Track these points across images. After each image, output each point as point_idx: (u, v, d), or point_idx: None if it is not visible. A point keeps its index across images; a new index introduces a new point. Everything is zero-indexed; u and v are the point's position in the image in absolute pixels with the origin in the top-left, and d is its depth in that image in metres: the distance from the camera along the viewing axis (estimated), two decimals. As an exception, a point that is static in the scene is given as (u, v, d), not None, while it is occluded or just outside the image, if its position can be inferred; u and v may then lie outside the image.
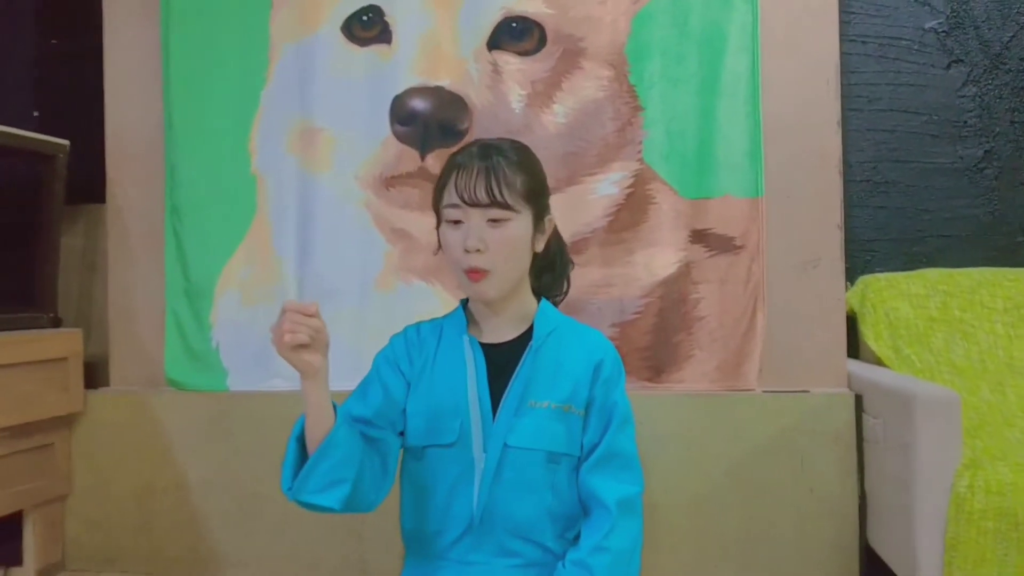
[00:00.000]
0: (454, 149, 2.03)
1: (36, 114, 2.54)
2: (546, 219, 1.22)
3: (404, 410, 1.21)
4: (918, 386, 1.68)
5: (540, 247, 1.21)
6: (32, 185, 2.26)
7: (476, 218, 1.13)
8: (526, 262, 1.20)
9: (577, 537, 1.20)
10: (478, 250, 1.13)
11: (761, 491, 1.97)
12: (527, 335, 1.22)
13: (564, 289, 1.33)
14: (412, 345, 1.25)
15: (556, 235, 1.28)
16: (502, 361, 1.20)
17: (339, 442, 1.07)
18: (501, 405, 1.17)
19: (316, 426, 1.07)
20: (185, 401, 2.26)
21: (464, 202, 1.12)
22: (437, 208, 1.19)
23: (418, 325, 1.28)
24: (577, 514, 1.19)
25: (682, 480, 2.00)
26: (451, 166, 1.16)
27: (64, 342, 2.21)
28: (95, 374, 2.36)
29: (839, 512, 1.94)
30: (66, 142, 2.25)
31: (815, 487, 1.96)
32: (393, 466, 1.19)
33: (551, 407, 1.17)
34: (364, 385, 1.24)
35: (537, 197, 1.18)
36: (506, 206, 1.12)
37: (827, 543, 1.95)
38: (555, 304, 1.31)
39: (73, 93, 2.51)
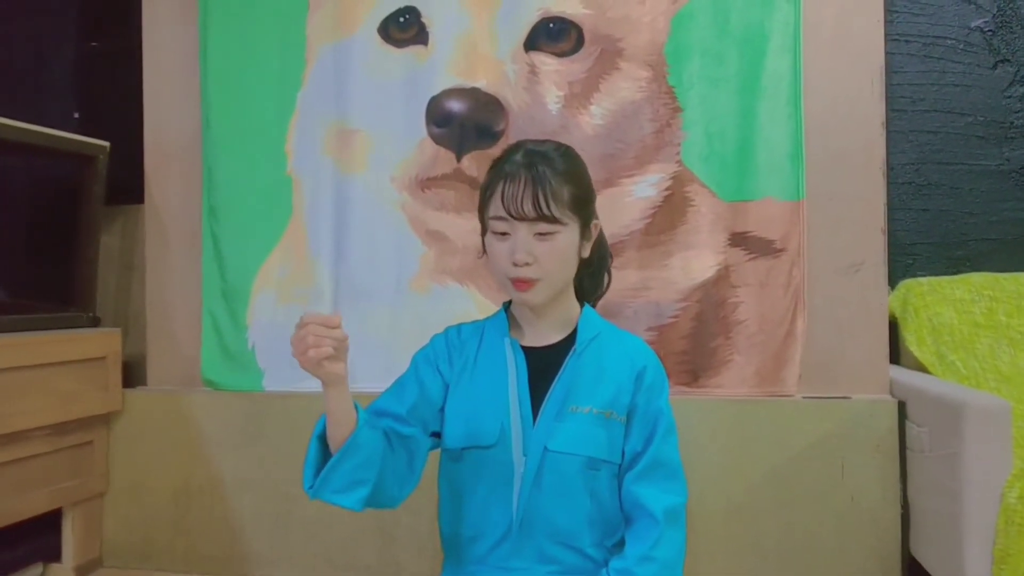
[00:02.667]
0: (491, 151, 2.09)
1: (76, 116, 2.57)
2: (592, 225, 1.20)
3: (441, 410, 1.21)
4: (967, 394, 1.64)
5: (586, 253, 1.21)
6: (72, 186, 2.29)
7: (523, 231, 1.12)
8: (573, 270, 1.19)
9: (618, 544, 1.18)
10: (527, 263, 1.12)
11: (801, 499, 1.94)
12: (570, 339, 1.21)
13: (605, 286, 1.31)
14: (453, 346, 1.25)
15: (600, 237, 1.27)
16: (544, 365, 1.19)
17: (361, 444, 1.07)
18: (542, 409, 1.16)
19: (338, 429, 1.08)
20: (221, 401, 2.27)
21: (511, 216, 1.11)
22: (483, 217, 1.18)
23: (459, 327, 1.28)
24: (616, 521, 1.18)
25: (720, 487, 1.98)
26: (497, 175, 1.15)
27: (103, 341, 2.23)
28: (132, 373, 2.38)
29: (881, 521, 1.91)
30: (106, 144, 2.27)
31: (856, 495, 1.92)
32: (420, 465, 1.19)
33: (592, 412, 1.16)
34: (401, 382, 1.24)
35: (584, 205, 1.17)
36: (553, 220, 1.11)
37: (868, 552, 1.91)
38: (595, 301, 1.30)
39: (113, 95, 2.54)
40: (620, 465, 1.17)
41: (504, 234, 1.13)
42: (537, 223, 1.11)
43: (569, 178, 1.14)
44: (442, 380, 1.22)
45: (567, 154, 1.19)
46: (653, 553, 1.11)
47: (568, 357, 1.19)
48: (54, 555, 2.22)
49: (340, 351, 1.04)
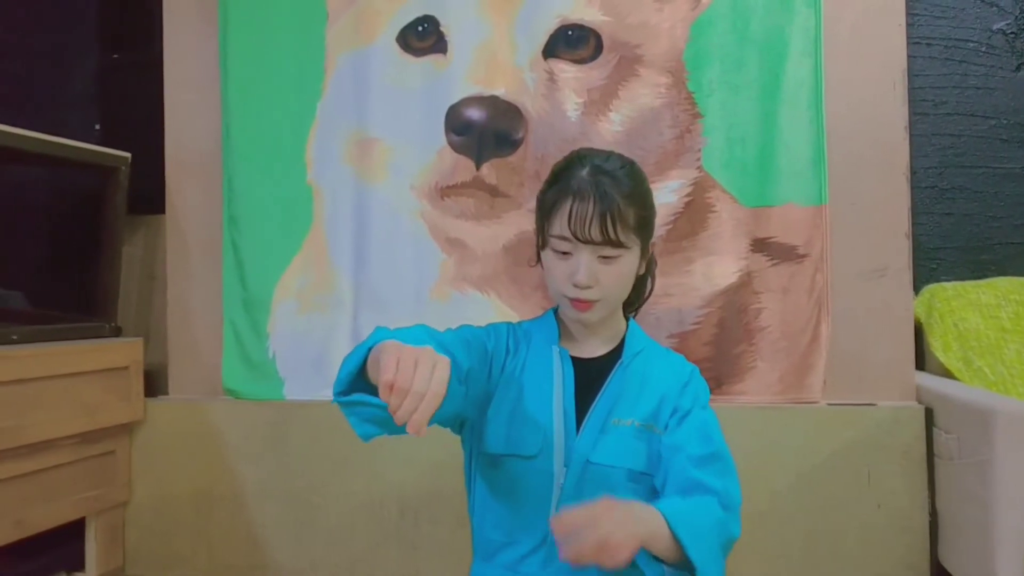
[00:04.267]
0: (510, 159, 2.09)
1: (98, 127, 2.59)
2: (651, 244, 1.20)
3: (483, 387, 1.19)
4: (997, 401, 1.62)
5: (643, 270, 1.21)
6: (95, 197, 2.31)
7: (587, 254, 1.11)
8: (630, 289, 1.19)
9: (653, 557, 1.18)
10: (588, 287, 1.11)
11: (826, 507, 1.92)
12: (616, 352, 1.21)
13: (648, 294, 1.31)
14: (519, 341, 1.23)
15: (653, 252, 1.27)
16: (590, 377, 1.19)
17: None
18: (586, 421, 1.15)
19: None
20: (242, 410, 2.27)
21: (576, 239, 1.10)
22: (542, 230, 1.15)
23: (520, 324, 1.27)
24: None
25: (744, 494, 1.92)
26: (563, 191, 1.11)
27: (126, 351, 2.24)
28: (153, 383, 2.39)
29: (908, 529, 1.88)
30: (127, 155, 2.29)
31: (883, 503, 1.90)
32: (476, 393, 1.16)
33: (635, 425, 1.15)
34: (472, 335, 1.21)
35: (647, 227, 1.16)
36: (619, 244, 1.10)
37: (896, 561, 1.89)
38: (638, 308, 1.31)
39: (133, 106, 2.56)
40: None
41: (566, 253, 1.12)
42: (602, 247, 1.10)
43: (635, 200, 1.13)
44: (504, 354, 1.21)
45: (633, 172, 1.17)
46: (701, 504, 1.09)
47: (614, 370, 1.18)
48: (77, 564, 2.22)
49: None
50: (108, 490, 2.23)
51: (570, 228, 1.09)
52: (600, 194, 1.09)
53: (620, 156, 1.20)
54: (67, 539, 2.20)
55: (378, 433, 1.04)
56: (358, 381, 1.02)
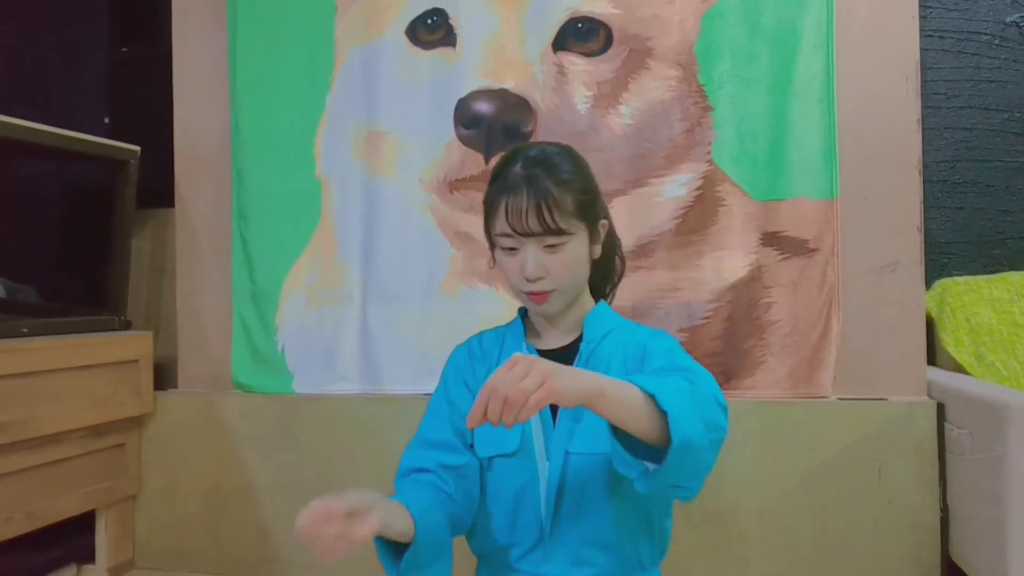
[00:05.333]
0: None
1: (107, 121, 2.59)
2: (599, 225, 1.19)
3: None
4: (1011, 396, 1.60)
5: (598, 254, 1.20)
6: (104, 191, 2.31)
7: (532, 246, 1.11)
8: (586, 274, 1.19)
9: (657, 547, 1.17)
10: (539, 277, 1.11)
11: (836, 502, 1.91)
12: (580, 340, 1.20)
13: (618, 276, 1.30)
14: (475, 357, 1.24)
15: (609, 232, 1.25)
16: None
17: (425, 535, 1.04)
18: (559, 412, 1.15)
19: (399, 536, 1.04)
20: (251, 403, 2.28)
21: (517, 233, 1.10)
22: (489, 233, 1.17)
23: (480, 336, 1.27)
24: (649, 517, 1.16)
25: (753, 490, 1.95)
26: (498, 190, 1.12)
27: (135, 344, 2.25)
28: (162, 376, 2.39)
29: (919, 525, 1.87)
30: (137, 148, 2.29)
31: (893, 499, 1.89)
32: (478, 484, 1.17)
33: None
34: (436, 404, 1.24)
35: (590, 210, 1.15)
36: (560, 232, 1.10)
37: (906, 557, 1.88)
38: (611, 291, 1.29)
39: (143, 99, 2.56)
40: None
41: (513, 249, 1.12)
42: (545, 237, 1.10)
43: (572, 184, 1.12)
44: (470, 393, 1.21)
45: (567, 157, 1.16)
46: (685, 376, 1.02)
47: (576, 357, 1.18)
48: (88, 557, 2.24)
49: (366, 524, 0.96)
50: (118, 483, 2.24)
51: (508, 224, 1.09)
52: (533, 186, 1.09)
53: (555, 144, 1.19)
54: (78, 531, 2.22)
55: (448, 555, 1.08)
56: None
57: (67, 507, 2.08)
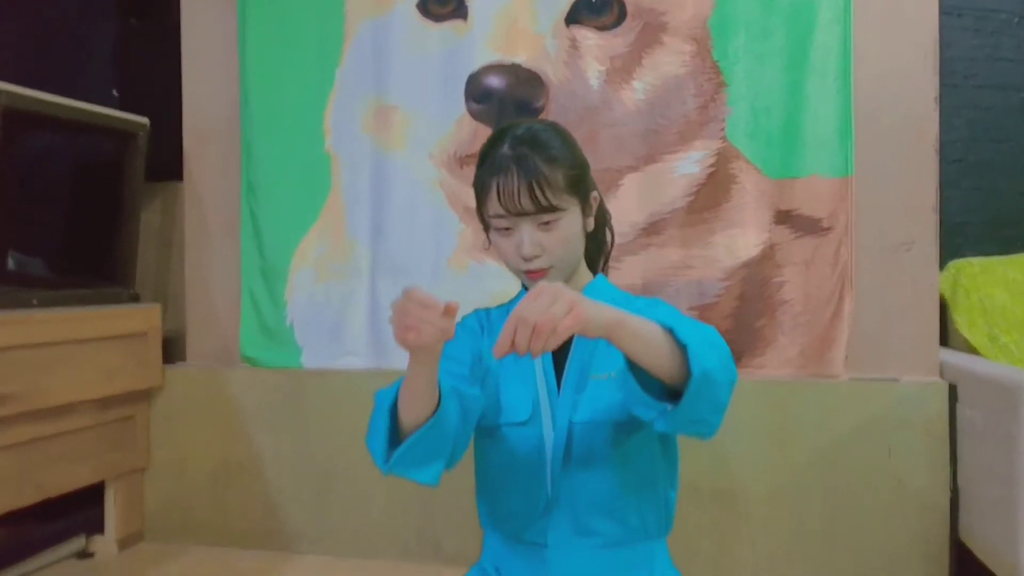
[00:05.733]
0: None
1: (115, 93, 2.58)
2: (591, 199, 1.18)
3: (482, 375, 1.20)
4: (1024, 376, 1.60)
5: (591, 227, 1.19)
6: (113, 164, 2.30)
7: (526, 225, 1.10)
8: (581, 247, 1.18)
9: (662, 516, 1.17)
10: (536, 256, 1.11)
11: (846, 482, 1.91)
12: None
13: (609, 246, 1.30)
14: (484, 327, 1.25)
15: (600, 205, 1.25)
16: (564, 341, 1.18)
17: (444, 419, 1.02)
18: (563, 382, 1.16)
19: (417, 401, 1.01)
20: (260, 378, 2.28)
21: (510, 213, 1.09)
22: (482, 215, 1.16)
23: (488, 310, 1.28)
24: (655, 485, 1.16)
25: (762, 469, 1.95)
26: (488, 172, 1.12)
27: (144, 317, 2.25)
28: (170, 350, 2.39)
29: (929, 505, 1.87)
30: (146, 120, 2.28)
31: (903, 479, 1.88)
32: (474, 425, 1.15)
33: (611, 377, 1.14)
34: (450, 347, 1.18)
35: (580, 184, 1.15)
36: (554, 209, 1.09)
37: (915, 537, 1.87)
38: (604, 261, 1.29)
39: (151, 72, 2.54)
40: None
41: (507, 229, 1.12)
42: (538, 215, 1.09)
43: (561, 161, 1.11)
44: (479, 352, 1.21)
45: (554, 133, 1.16)
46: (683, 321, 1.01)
47: None
48: (97, 528, 2.25)
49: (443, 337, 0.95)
50: (127, 455, 2.25)
51: (501, 205, 1.09)
52: (523, 165, 1.08)
53: (541, 121, 1.19)
54: (87, 503, 2.23)
55: (443, 464, 1.05)
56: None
57: (77, 478, 2.09)
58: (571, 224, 1.13)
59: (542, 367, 1.16)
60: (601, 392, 1.14)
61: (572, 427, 1.13)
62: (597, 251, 1.28)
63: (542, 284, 0.90)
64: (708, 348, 0.94)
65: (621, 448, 1.13)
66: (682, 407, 0.93)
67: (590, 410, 1.13)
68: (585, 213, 1.16)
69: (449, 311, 0.92)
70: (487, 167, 1.12)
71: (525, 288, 1.26)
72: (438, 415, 1.01)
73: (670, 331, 0.94)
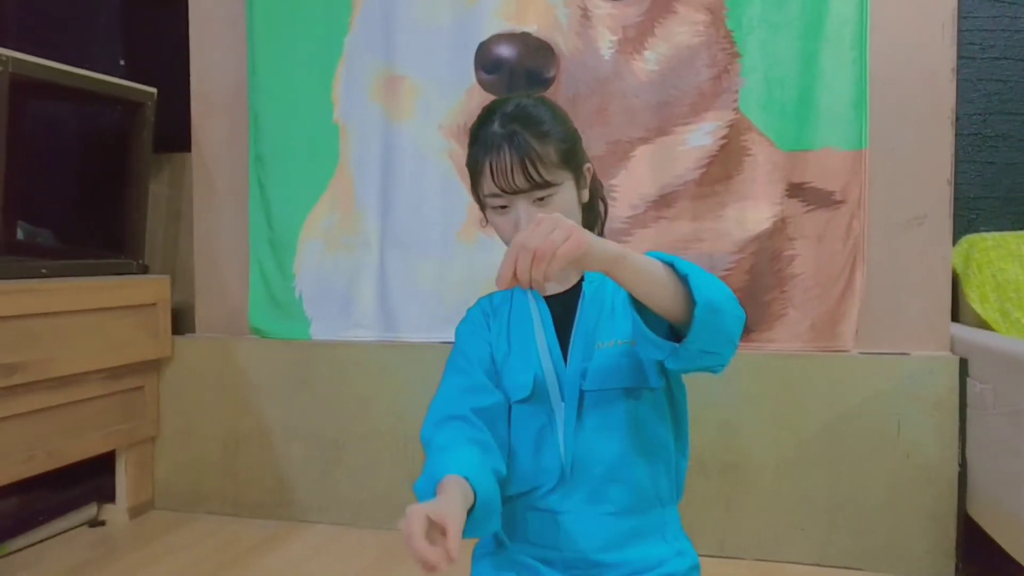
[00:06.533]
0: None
1: (122, 63, 2.56)
2: (585, 170, 1.18)
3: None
4: (1037, 350, 1.59)
5: (586, 198, 1.19)
6: (121, 133, 2.29)
7: (522, 203, 1.09)
8: (579, 219, 1.17)
9: (674, 483, 1.17)
10: None
11: (853, 455, 1.91)
12: (583, 281, 1.21)
13: (603, 215, 1.28)
14: (487, 315, 1.25)
15: (593, 175, 1.24)
16: (566, 310, 1.19)
17: (484, 505, 1.00)
18: (569, 352, 1.16)
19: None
20: (268, 349, 2.28)
21: (505, 192, 1.08)
22: (477, 194, 1.15)
23: (490, 296, 1.28)
24: (667, 452, 1.17)
25: (770, 441, 1.95)
26: (480, 150, 1.10)
27: (153, 288, 2.25)
28: (179, 321, 2.40)
29: (937, 480, 1.87)
30: (153, 90, 2.27)
31: (911, 453, 1.88)
32: (506, 427, 1.17)
33: (617, 344, 1.14)
34: (456, 359, 1.22)
35: (573, 157, 1.14)
36: (548, 185, 1.08)
37: (922, 511, 1.88)
38: (600, 230, 1.27)
39: (158, 42, 2.52)
40: (664, 389, 1.15)
41: (503, 207, 1.11)
42: (533, 192, 1.08)
43: (551, 136, 1.10)
44: (489, 347, 1.22)
45: (544, 107, 1.14)
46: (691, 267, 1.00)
47: (580, 298, 1.18)
48: (108, 496, 2.27)
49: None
50: (137, 424, 2.27)
51: (495, 184, 1.08)
52: (514, 142, 1.07)
53: (527, 96, 1.17)
54: (98, 472, 2.24)
55: (499, 514, 1.05)
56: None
57: (88, 447, 2.11)
58: (566, 198, 1.12)
59: (547, 343, 1.16)
60: (609, 360, 1.14)
61: (583, 396, 1.14)
62: (592, 222, 1.27)
63: (541, 215, 0.90)
64: (709, 280, 0.95)
65: (632, 415, 1.13)
66: (691, 338, 0.94)
67: (599, 378, 1.13)
68: (579, 185, 1.16)
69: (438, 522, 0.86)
70: (479, 146, 1.11)
71: None
72: (474, 512, 0.98)
73: (671, 266, 0.95)
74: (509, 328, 1.21)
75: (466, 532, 0.99)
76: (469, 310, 1.27)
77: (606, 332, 1.15)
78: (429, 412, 1.18)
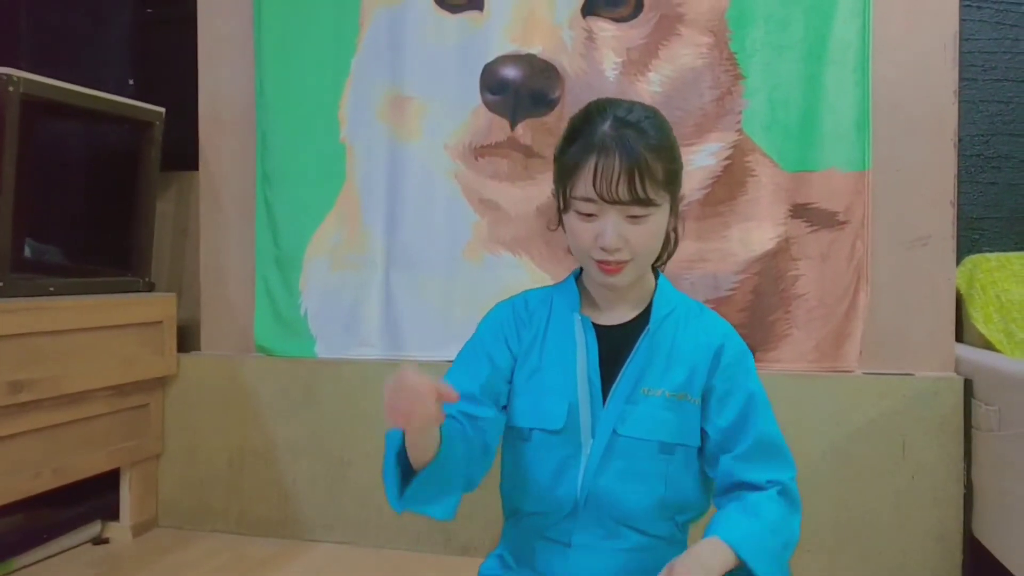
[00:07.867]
0: (545, 119, 2.06)
1: (131, 82, 2.58)
2: (680, 197, 1.11)
3: (510, 381, 1.15)
4: (1042, 372, 1.59)
5: (673, 227, 1.13)
6: (129, 152, 2.31)
7: (614, 215, 1.02)
8: (661, 245, 1.11)
9: (689, 520, 1.16)
10: (618, 248, 1.04)
11: (859, 476, 1.91)
12: (643, 316, 1.13)
13: (673, 247, 1.21)
14: (521, 319, 1.17)
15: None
16: (616, 344, 1.12)
17: (445, 461, 0.99)
18: (612, 391, 1.10)
19: (423, 453, 0.98)
20: (274, 367, 2.29)
21: (602, 199, 1.02)
22: (563, 191, 1.07)
23: (526, 295, 1.20)
24: (691, 500, 1.13)
25: (775, 462, 1.94)
26: (585, 148, 1.03)
27: (159, 306, 2.26)
28: (185, 339, 2.41)
29: (942, 500, 1.86)
30: (162, 109, 2.29)
31: (917, 474, 1.88)
32: (495, 443, 1.13)
33: (665, 395, 1.09)
34: (467, 356, 1.17)
35: (676, 181, 1.08)
36: (649, 203, 1.02)
37: (928, 532, 1.87)
38: (665, 262, 1.21)
39: (167, 61, 2.54)
40: (699, 448, 1.11)
41: (590, 215, 1.04)
42: (630, 206, 1.02)
43: (663, 153, 1.04)
44: (510, 353, 1.15)
45: (657, 122, 1.07)
46: (757, 509, 1.05)
47: (641, 337, 1.11)
48: (112, 514, 2.27)
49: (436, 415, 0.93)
50: (142, 442, 2.27)
51: (595, 188, 1.01)
52: (625, 149, 1.00)
53: (643, 105, 1.09)
54: (102, 489, 2.24)
55: (457, 497, 1.04)
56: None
57: (93, 464, 2.11)
58: (659, 222, 1.05)
59: (587, 376, 1.10)
60: (653, 409, 1.09)
61: (615, 437, 1.09)
62: (664, 250, 1.19)
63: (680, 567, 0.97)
64: (783, 562, 1.04)
65: (663, 471, 1.08)
66: None
67: (638, 426, 1.08)
68: (673, 212, 1.10)
69: (443, 398, 0.90)
70: (582, 143, 1.03)
71: (576, 279, 1.19)
72: (437, 461, 0.98)
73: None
74: (544, 343, 1.15)
75: (414, 492, 0.98)
76: (500, 304, 1.20)
77: (656, 379, 1.10)
78: None
